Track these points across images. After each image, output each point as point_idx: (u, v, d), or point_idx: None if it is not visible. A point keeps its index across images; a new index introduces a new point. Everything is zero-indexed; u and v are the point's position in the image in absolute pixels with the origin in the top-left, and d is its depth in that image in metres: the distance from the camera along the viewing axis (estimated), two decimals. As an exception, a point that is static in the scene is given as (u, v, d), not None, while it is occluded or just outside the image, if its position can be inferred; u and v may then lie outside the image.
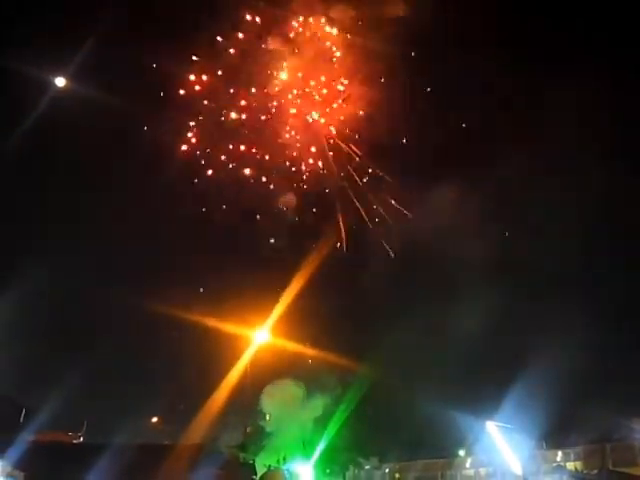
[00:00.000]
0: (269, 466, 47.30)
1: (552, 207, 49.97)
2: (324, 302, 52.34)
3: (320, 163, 53.69)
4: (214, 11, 48.93)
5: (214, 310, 48.70)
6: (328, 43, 51.67)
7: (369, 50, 50.56)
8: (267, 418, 52.66)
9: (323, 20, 50.99)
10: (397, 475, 56.09)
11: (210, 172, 52.24)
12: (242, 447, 48.57)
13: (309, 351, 51.97)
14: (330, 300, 51.95)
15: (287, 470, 48.11)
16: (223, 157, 52.23)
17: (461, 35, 48.19)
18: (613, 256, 49.36)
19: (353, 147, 53.19)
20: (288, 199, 53.58)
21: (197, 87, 50.85)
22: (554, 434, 48.58)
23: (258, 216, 53.52)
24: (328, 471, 52.92)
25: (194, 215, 51.91)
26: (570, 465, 48.22)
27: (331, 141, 53.33)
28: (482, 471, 52.97)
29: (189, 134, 51.68)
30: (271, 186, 53.28)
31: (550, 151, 48.20)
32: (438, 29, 47.50)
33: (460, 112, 50.99)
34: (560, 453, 49.79)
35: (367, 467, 56.37)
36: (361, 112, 51.72)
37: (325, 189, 54.39)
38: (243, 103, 51.78)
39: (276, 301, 51.43)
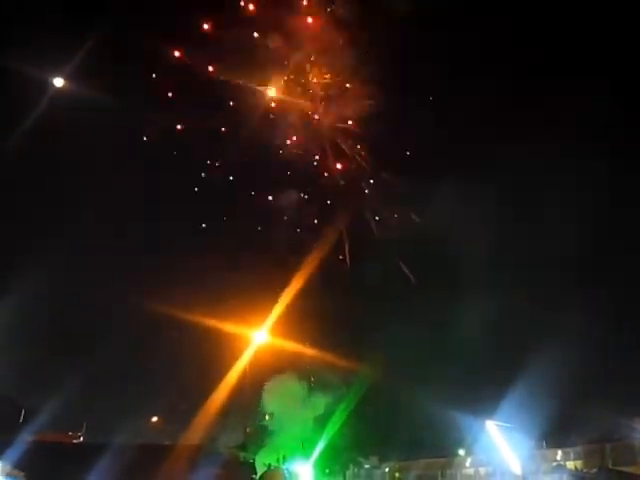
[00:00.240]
0: (269, 465, 47.37)
1: (551, 207, 49.96)
2: (324, 302, 52.48)
3: (321, 161, 53.68)
4: (215, 8, 48.77)
5: (214, 310, 48.74)
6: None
7: (371, 47, 50.60)
8: (267, 417, 52.74)
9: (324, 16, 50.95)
10: (397, 474, 56.19)
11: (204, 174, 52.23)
12: (242, 447, 48.64)
13: (309, 351, 52.04)
14: (330, 300, 52.02)
15: (287, 469, 48.14)
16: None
17: (463, 34, 48.15)
18: (613, 256, 49.30)
19: (355, 145, 53.17)
20: (288, 197, 53.62)
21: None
22: (554, 433, 48.58)
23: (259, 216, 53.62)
24: (328, 470, 53.01)
25: (194, 215, 52.01)
26: (570, 464, 48.26)
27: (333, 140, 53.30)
28: (482, 470, 53.03)
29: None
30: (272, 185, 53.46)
31: (549, 151, 48.04)
32: (439, 28, 47.53)
33: (461, 111, 50.83)
34: (560, 452, 49.83)
35: (367, 466, 56.48)
36: (363, 111, 51.71)
37: (325, 187, 54.33)
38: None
39: (276, 301, 51.49)
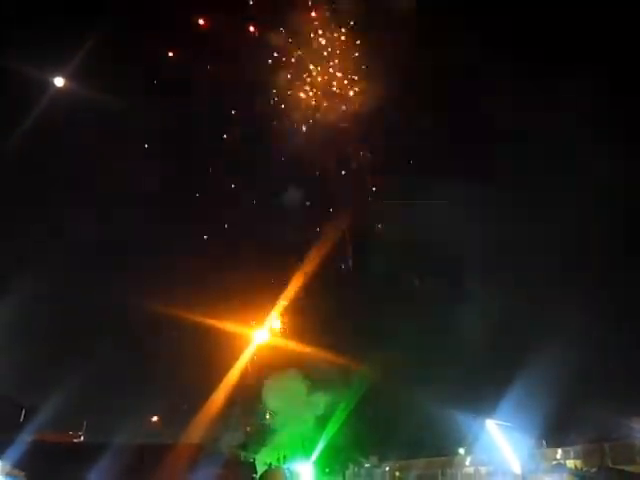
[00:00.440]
0: (269, 464, 47.38)
1: (551, 207, 50.01)
2: (324, 302, 52.58)
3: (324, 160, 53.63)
4: (216, 8, 48.73)
5: (214, 310, 48.81)
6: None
7: (375, 46, 50.60)
8: (268, 417, 52.78)
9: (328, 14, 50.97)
10: (397, 473, 56.18)
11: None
12: (242, 446, 48.67)
13: (310, 350, 52.07)
14: (330, 300, 52.13)
15: (287, 468, 48.14)
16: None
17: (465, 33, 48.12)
18: (613, 256, 49.27)
19: (358, 144, 53.10)
20: (292, 194, 53.63)
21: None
22: (554, 432, 48.64)
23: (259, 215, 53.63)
24: (328, 470, 53.02)
25: (195, 216, 52.04)
26: (570, 463, 48.25)
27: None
28: (482, 469, 52.98)
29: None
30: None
31: (549, 151, 48.10)
32: (441, 27, 47.50)
33: (464, 109, 50.81)
34: (560, 451, 49.82)
35: (367, 465, 56.43)
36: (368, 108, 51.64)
37: (329, 185, 54.25)
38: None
39: (276, 301, 51.59)
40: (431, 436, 51.82)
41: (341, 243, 52.80)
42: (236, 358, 51.33)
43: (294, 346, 52.43)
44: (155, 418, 51.22)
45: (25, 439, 36.30)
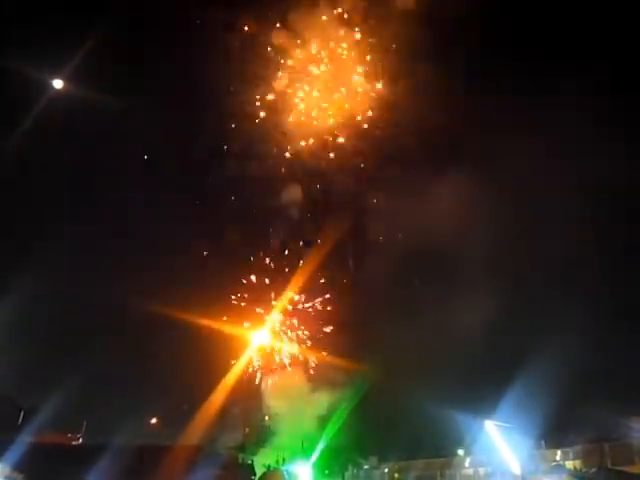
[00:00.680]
0: (268, 466, 47.34)
1: (550, 207, 50.08)
2: (324, 302, 52.64)
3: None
4: (216, 7, 48.68)
5: (214, 310, 48.86)
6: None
7: (376, 46, 50.68)
8: (266, 418, 52.70)
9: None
10: (396, 475, 56.10)
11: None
12: (241, 448, 48.59)
13: (309, 352, 52.09)
14: (330, 300, 52.17)
15: (286, 470, 48.11)
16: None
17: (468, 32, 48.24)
18: (613, 256, 49.35)
19: (358, 144, 53.05)
20: (292, 193, 53.53)
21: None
22: (553, 433, 48.68)
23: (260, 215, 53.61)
24: (327, 471, 52.92)
25: (196, 216, 52.01)
26: (569, 464, 48.32)
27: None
28: (481, 470, 53.01)
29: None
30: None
31: (551, 151, 48.16)
32: (443, 25, 47.64)
33: (466, 108, 50.76)
34: (559, 452, 49.88)
35: (366, 467, 56.36)
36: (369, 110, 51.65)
37: (329, 185, 54.16)
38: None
39: (277, 301, 51.63)
40: (430, 437, 51.82)
41: (342, 243, 52.66)
42: (235, 359, 51.31)
43: (295, 347, 52.38)
44: (154, 419, 51.12)
45: (24, 441, 36.18)
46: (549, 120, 48.58)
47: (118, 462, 34.76)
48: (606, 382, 44.79)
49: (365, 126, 52.41)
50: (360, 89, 52.21)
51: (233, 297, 51.92)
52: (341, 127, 52.93)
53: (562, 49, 49.35)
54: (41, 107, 44.18)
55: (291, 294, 52.34)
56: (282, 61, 51.78)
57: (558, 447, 49.61)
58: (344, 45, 51.82)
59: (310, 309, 53.55)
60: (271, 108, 52.46)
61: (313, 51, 51.56)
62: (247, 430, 52.41)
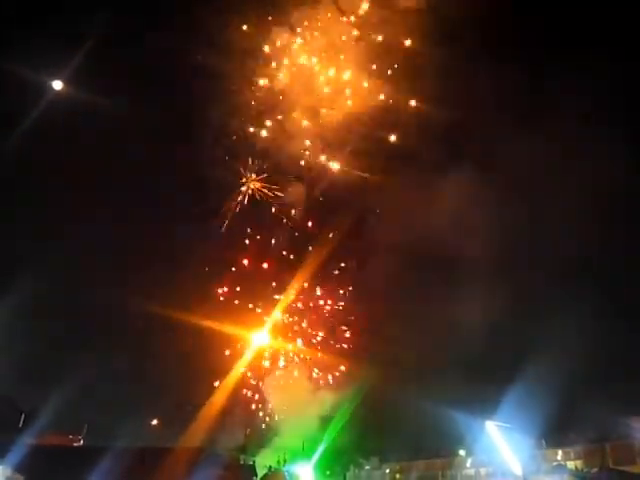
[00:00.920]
0: (269, 467, 47.36)
1: (550, 208, 50.04)
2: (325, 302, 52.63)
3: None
4: (217, 6, 48.59)
5: (215, 312, 48.90)
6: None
7: (378, 43, 50.54)
8: (267, 419, 52.75)
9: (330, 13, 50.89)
10: (398, 475, 56.23)
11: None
12: (242, 449, 48.59)
13: (310, 352, 52.09)
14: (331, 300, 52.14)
15: (287, 471, 48.13)
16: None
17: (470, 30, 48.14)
18: (613, 257, 49.27)
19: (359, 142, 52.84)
20: (295, 192, 53.49)
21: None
22: (554, 433, 48.71)
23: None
24: (328, 472, 52.93)
25: (196, 216, 52.05)
26: (570, 464, 48.30)
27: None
28: (482, 471, 53.08)
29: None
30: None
31: (552, 151, 48.08)
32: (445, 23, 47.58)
33: (469, 105, 50.56)
34: (560, 452, 49.91)
35: (367, 467, 56.45)
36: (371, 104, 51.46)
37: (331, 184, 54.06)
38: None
39: (276, 302, 51.63)
40: (431, 437, 51.92)
41: (342, 243, 52.58)
42: (236, 359, 51.35)
43: (296, 348, 52.41)
44: (155, 421, 51.18)
45: (25, 442, 36.24)
46: (550, 119, 48.54)
47: (119, 463, 34.72)
48: (607, 382, 44.74)
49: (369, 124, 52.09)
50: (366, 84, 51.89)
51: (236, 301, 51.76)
52: (344, 125, 52.75)
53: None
54: (41, 108, 44.19)
55: (292, 294, 52.23)
56: (283, 59, 51.66)
57: (559, 447, 49.63)
58: (343, 38, 51.63)
59: (312, 308, 53.46)
60: (273, 107, 52.47)
61: (315, 48, 51.41)
62: (248, 431, 52.38)
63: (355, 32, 51.67)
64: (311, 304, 53.24)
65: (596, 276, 49.13)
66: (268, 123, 52.51)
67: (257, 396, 52.21)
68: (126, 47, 48.41)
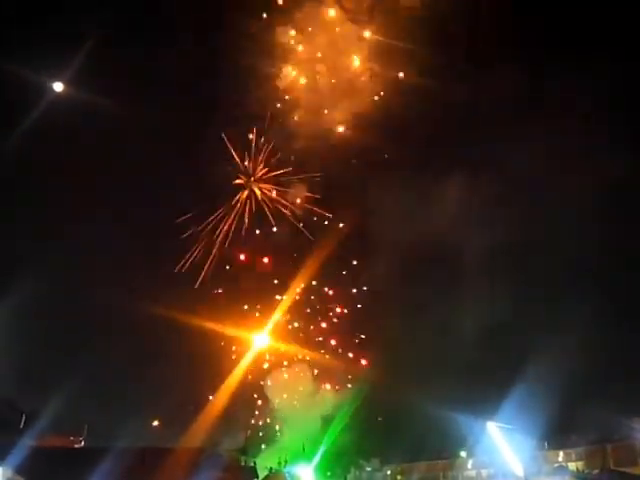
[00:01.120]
0: (270, 469, 47.27)
1: (550, 209, 50.07)
2: (322, 303, 52.63)
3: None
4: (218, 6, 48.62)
5: (216, 313, 48.90)
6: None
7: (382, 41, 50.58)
8: (268, 420, 52.70)
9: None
10: (399, 477, 56.16)
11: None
12: (243, 450, 48.51)
13: (310, 354, 52.08)
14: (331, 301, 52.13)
15: (288, 472, 48.03)
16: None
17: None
18: (613, 257, 49.25)
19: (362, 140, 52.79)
20: (297, 190, 53.48)
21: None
22: (555, 435, 48.74)
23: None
24: (329, 474, 52.82)
25: (197, 216, 52.10)
26: (572, 465, 48.31)
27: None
28: (484, 472, 53.06)
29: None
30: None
31: (554, 152, 48.12)
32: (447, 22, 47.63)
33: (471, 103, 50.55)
34: (561, 453, 49.96)
35: (368, 469, 56.33)
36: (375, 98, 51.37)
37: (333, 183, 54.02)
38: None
39: (277, 303, 51.62)
40: (433, 439, 51.77)
41: (343, 244, 52.55)
42: (237, 360, 51.36)
43: (295, 349, 52.39)
44: (156, 422, 51.12)
45: (26, 444, 36.15)
46: (551, 120, 48.57)
47: (120, 465, 34.57)
48: (608, 383, 44.71)
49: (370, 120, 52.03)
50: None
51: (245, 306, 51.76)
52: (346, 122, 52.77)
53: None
54: (41, 109, 44.24)
55: (294, 294, 52.22)
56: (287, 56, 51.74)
57: (560, 448, 49.67)
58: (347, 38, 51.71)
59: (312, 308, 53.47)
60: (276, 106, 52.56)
61: (317, 46, 51.47)
62: (249, 432, 52.34)
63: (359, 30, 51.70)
64: (318, 306, 53.26)
65: (597, 276, 49.25)
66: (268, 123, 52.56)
67: (258, 398, 52.33)
68: (126, 47, 48.31)
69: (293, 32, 51.04)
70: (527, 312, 49.08)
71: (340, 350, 52.40)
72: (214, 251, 52.33)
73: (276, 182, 53.57)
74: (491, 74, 48.00)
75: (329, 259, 50.74)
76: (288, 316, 52.92)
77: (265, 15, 50.50)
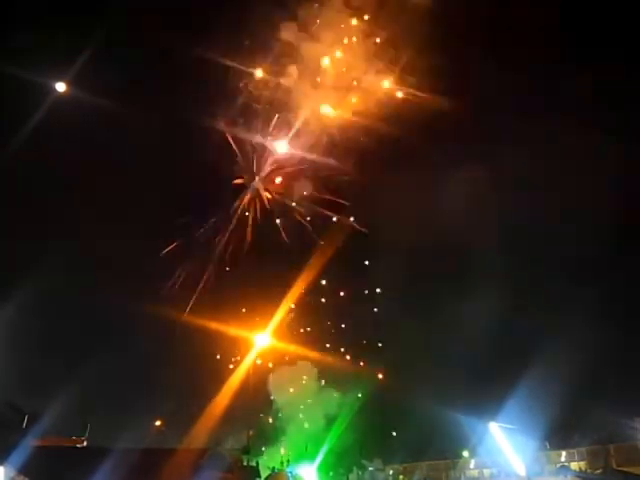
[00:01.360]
0: (273, 468, 47.31)
1: (554, 208, 50.01)
2: (326, 303, 52.63)
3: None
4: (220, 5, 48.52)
5: (218, 314, 48.88)
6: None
7: (384, 41, 50.47)
8: (270, 420, 52.71)
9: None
10: (401, 477, 56.17)
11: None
12: (245, 450, 48.53)
13: (313, 354, 52.03)
14: (332, 301, 52.12)
15: (290, 472, 48.06)
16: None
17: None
18: (614, 257, 49.17)
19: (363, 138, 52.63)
20: (302, 186, 53.37)
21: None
22: (558, 435, 48.70)
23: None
24: (332, 473, 52.82)
25: (197, 217, 52.05)
26: (574, 465, 48.32)
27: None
28: (486, 472, 53.09)
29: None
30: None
31: (555, 153, 48.04)
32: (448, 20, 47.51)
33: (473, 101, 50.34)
34: (564, 453, 50.00)
35: (371, 469, 56.28)
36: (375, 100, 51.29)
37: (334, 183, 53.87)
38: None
39: (279, 303, 51.53)
40: (435, 439, 51.77)
41: (344, 244, 52.42)
42: (239, 360, 51.36)
43: (297, 349, 52.33)
44: (158, 422, 51.13)
45: (29, 444, 36.19)
46: (551, 119, 48.43)
47: (122, 465, 34.60)
48: (611, 383, 44.69)
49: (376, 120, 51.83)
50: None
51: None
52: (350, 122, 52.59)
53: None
54: (44, 110, 44.25)
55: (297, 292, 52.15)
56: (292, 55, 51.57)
57: (563, 448, 49.71)
58: (354, 39, 51.53)
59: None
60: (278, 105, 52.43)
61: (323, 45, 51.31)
62: (251, 432, 52.28)
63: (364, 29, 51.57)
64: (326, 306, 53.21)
65: (598, 276, 49.19)
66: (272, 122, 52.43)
67: (261, 398, 52.34)
68: (126, 47, 48.31)
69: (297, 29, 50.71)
70: (530, 313, 49.07)
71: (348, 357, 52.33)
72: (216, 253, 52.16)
73: (282, 182, 53.39)
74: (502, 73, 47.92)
75: (337, 260, 50.68)
76: (292, 315, 52.88)
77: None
